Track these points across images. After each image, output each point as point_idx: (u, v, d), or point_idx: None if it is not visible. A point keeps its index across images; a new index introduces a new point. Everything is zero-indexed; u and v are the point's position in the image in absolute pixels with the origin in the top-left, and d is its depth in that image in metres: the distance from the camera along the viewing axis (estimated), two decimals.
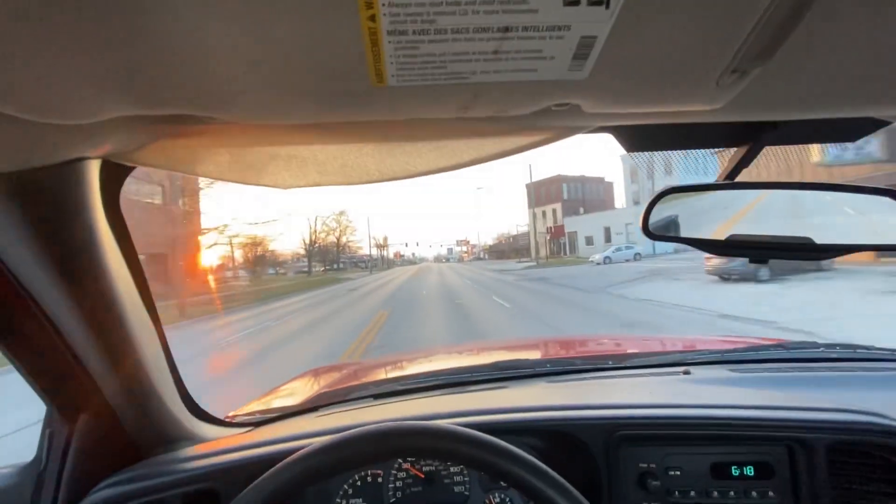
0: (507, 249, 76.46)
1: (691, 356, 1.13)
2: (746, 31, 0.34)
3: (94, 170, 0.55)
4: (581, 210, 47.14)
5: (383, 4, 0.29)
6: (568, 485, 0.48)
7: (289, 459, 0.49)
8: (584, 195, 49.87)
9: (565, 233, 45.84)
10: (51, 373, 0.64)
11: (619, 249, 27.55)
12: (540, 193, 50.59)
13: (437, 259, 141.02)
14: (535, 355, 1.47)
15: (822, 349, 1.13)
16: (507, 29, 0.32)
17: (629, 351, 1.39)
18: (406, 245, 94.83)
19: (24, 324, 0.58)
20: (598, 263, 23.73)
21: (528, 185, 51.48)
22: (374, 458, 0.51)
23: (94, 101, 0.35)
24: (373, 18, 0.30)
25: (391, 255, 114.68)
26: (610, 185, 53.44)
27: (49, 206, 0.52)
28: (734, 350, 1.20)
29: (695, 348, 1.35)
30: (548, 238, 48.05)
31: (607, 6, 0.30)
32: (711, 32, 0.34)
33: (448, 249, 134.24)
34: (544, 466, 0.49)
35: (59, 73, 0.32)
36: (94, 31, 0.29)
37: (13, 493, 0.68)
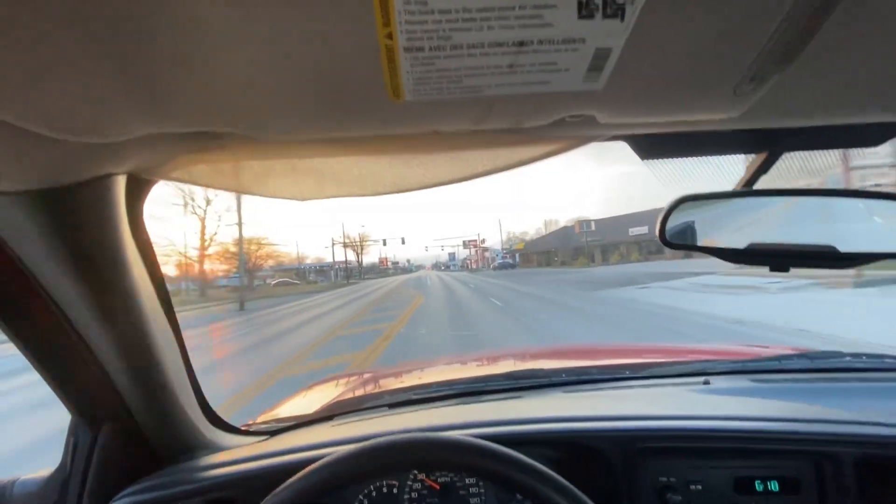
0: (565, 249, 48.72)
1: (711, 366, 1.10)
2: (764, 39, 0.33)
3: (119, 185, 0.56)
4: None
5: (400, 22, 0.29)
6: (582, 495, 0.48)
7: (302, 472, 0.50)
8: None
9: None
10: (76, 383, 0.65)
11: None
12: None
13: (436, 266, 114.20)
14: (550, 364, 1.45)
15: (847, 358, 1.10)
16: (522, 43, 0.32)
17: (646, 360, 1.37)
18: (384, 243, 63.38)
19: (52, 335, 0.60)
20: None
21: None
22: (386, 470, 0.52)
23: (121, 119, 0.36)
24: (390, 36, 0.31)
25: (377, 261, 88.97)
26: None
27: (77, 221, 0.54)
28: (755, 359, 1.17)
29: (714, 357, 1.32)
30: None
31: (622, 19, 0.30)
32: (728, 42, 0.33)
33: (449, 254, 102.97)
34: (558, 477, 0.49)
35: (89, 94, 0.33)
36: (122, 53, 0.30)
37: (39, 500, 0.70)
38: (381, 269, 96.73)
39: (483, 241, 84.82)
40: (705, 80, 0.37)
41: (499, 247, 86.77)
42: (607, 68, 0.35)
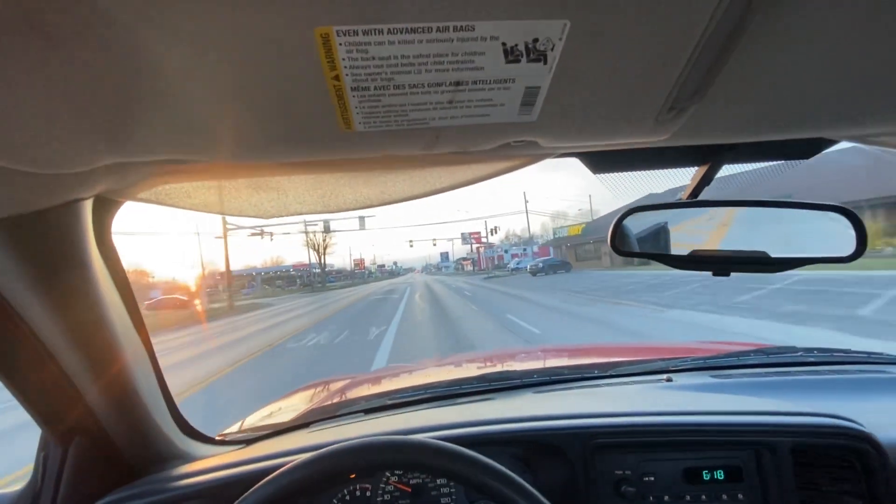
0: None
1: (674, 363, 1.16)
2: (675, 76, 0.37)
3: (87, 207, 0.58)
4: None
5: (345, 66, 0.33)
6: (521, 482, 0.52)
7: (265, 480, 0.53)
8: None
9: None
10: (46, 398, 0.66)
11: None
12: None
13: (426, 269, 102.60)
14: (523, 366, 1.49)
15: (800, 353, 1.17)
16: (458, 83, 0.35)
17: (615, 359, 1.42)
18: (326, 228, 42.34)
19: (21, 351, 0.61)
20: None
21: None
22: (344, 472, 0.55)
23: (85, 151, 0.38)
24: (337, 77, 0.34)
25: (350, 265, 73.87)
26: None
27: (45, 243, 0.55)
28: (715, 356, 1.23)
29: (679, 355, 1.38)
30: None
31: (545, 62, 0.34)
32: (643, 79, 0.38)
33: (442, 254, 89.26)
34: (494, 464, 0.53)
35: (53, 129, 0.35)
36: (83, 90, 0.33)
37: None
38: (357, 274, 76.73)
39: (494, 229, 53.50)
40: (627, 111, 0.41)
41: (515, 240, 63.09)
42: (538, 103, 0.39)
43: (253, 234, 35.41)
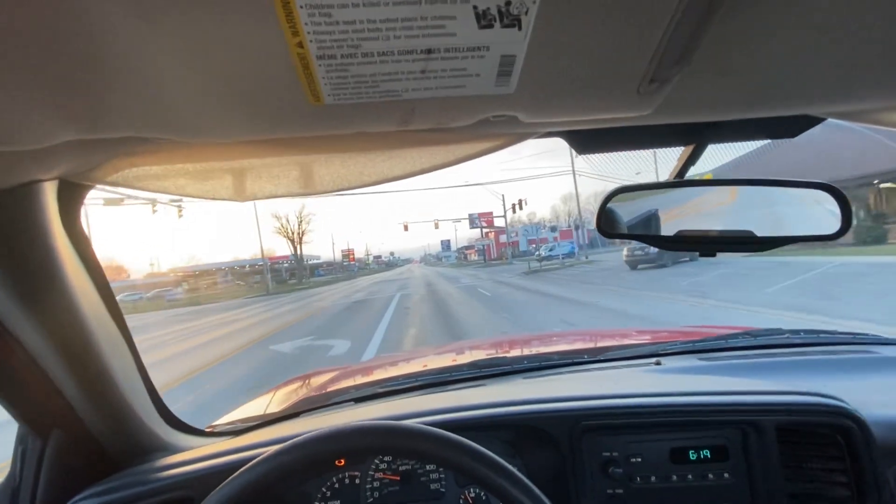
0: None
1: (663, 347, 1.16)
2: (655, 44, 0.36)
3: (49, 191, 0.56)
4: None
5: (308, 32, 0.31)
6: (508, 465, 0.52)
7: (245, 467, 0.52)
8: None
9: None
10: (20, 391, 0.64)
11: None
12: None
13: (425, 259, 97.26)
14: (514, 353, 1.49)
15: (787, 335, 1.18)
16: (430, 51, 0.34)
17: (604, 344, 1.42)
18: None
19: None
20: None
21: None
22: (325, 458, 0.55)
23: (41, 127, 0.36)
24: (300, 45, 0.32)
25: (337, 256, 66.38)
26: None
27: (5, 228, 0.53)
28: (704, 339, 1.24)
29: (666, 339, 1.38)
30: None
31: (519, 28, 0.33)
32: (623, 48, 0.36)
33: (443, 242, 78.38)
34: (479, 447, 0.53)
35: (4, 100, 0.33)
36: (42, 59, 0.31)
37: None
38: (348, 267, 67.15)
39: (520, 203, 35.50)
40: (608, 82, 0.40)
41: (519, 226, 48.46)
42: (515, 73, 0.37)
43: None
